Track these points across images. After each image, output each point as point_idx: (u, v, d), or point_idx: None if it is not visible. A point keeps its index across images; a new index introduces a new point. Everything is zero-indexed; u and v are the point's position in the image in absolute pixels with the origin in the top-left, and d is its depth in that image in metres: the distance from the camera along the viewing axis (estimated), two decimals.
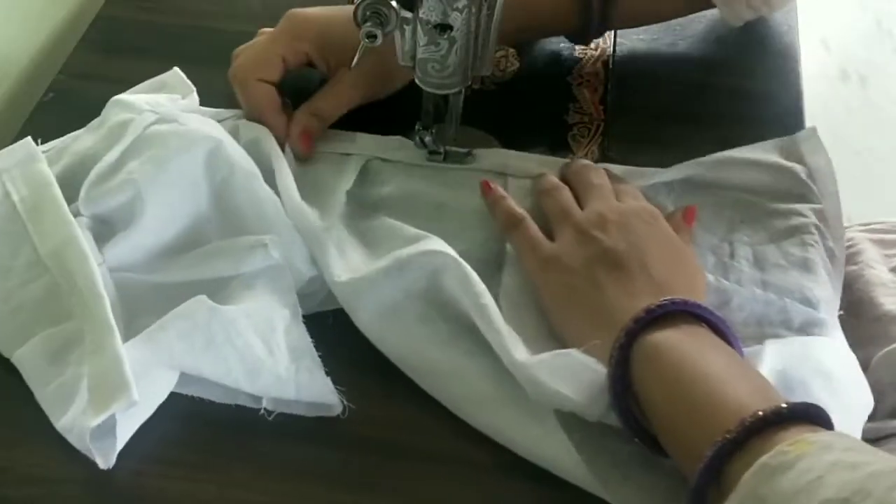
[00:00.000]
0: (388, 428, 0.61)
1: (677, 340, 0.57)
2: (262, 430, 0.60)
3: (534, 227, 0.68)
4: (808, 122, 0.80)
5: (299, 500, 0.58)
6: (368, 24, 0.64)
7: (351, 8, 0.66)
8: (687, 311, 0.58)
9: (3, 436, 0.60)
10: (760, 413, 0.50)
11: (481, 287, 0.63)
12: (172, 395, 0.61)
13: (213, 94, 0.78)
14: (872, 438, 0.70)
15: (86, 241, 0.64)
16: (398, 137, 0.75)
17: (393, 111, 0.76)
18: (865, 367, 0.78)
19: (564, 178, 0.72)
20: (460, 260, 0.64)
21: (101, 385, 0.56)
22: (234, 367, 0.60)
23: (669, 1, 0.82)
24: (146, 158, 0.67)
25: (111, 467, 0.57)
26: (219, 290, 0.64)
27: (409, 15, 0.65)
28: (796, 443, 0.48)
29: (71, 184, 0.68)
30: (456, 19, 0.64)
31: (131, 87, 0.77)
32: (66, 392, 0.59)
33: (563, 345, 0.61)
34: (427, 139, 0.73)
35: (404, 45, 0.67)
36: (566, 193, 0.70)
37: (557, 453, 0.58)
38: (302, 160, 0.73)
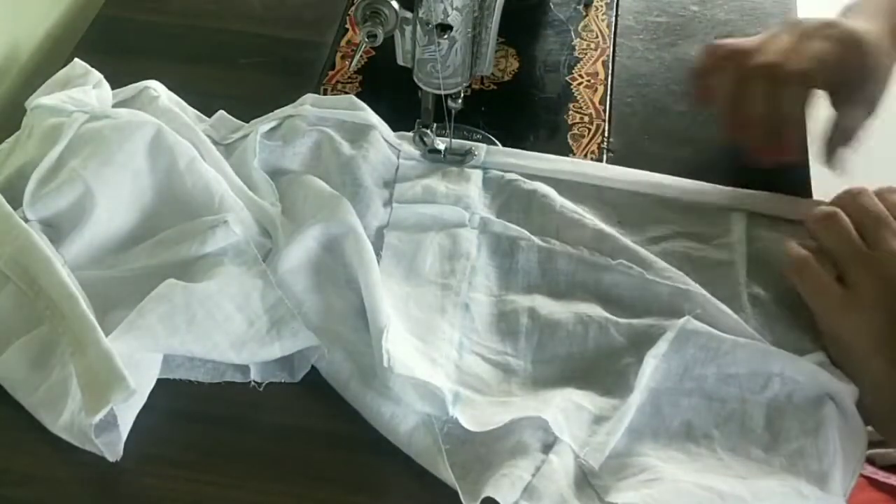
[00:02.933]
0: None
1: None
2: (262, 431, 0.60)
3: (821, 271, 0.63)
4: (808, 122, 0.80)
5: (299, 501, 0.58)
6: (368, 24, 0.64)
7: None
8: None
9: (3, 436, 0.60)
10: None
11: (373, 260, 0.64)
12: (173, 395, 0.61)
13: (214, 94, 0.78)
14: (876, 441, 0.70)
15: (43, 243, 0.64)
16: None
17: (393, 111, 0.76)
18: None
19: (839, 205, 0.67)
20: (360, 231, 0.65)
21: (94, 381, 0.56)
22: (220, 340, 0.60)
23: None
24: (88, 155, 0.67)
25: (117, 460, 0.57)
26: (185, 272, 0.64)
27: (409, 15, 0.65)
28: None
29: (13, 196, 0.67)
30: (456, 19, 0.64)
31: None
32: (57, 394, 0.59)
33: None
34: (427, 139, 0.73)
35: (404, 45, 0.67)
36: (844, 223, 0.64)
37: (410, 434, 0.59)
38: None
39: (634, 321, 0.63)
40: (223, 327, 0.61)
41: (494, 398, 0.61)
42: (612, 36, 0.86)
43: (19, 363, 0.61)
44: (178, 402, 0.61)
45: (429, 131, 0.72)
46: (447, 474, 0.57)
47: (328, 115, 0.74)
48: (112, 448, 0.57)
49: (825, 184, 0.77)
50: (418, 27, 0.65)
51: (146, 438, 0.59)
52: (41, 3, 0.89)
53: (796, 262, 0.64)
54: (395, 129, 0.75)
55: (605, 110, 0.80)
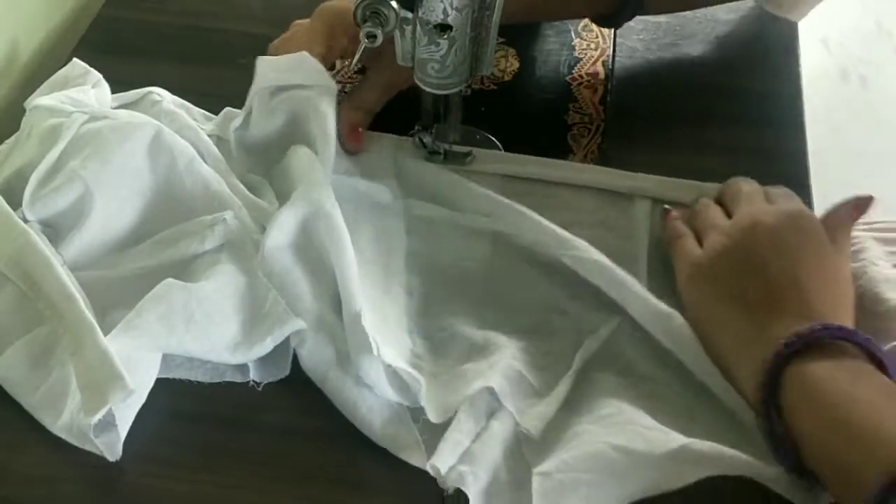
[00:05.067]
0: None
1: (831, 370, 0.55)
2: (262, 430, 0.60)
3: (691, 239, 0.65)
4: (809, 122, 0.80)
5: (300, 501, 0.58)
6: (368, 24, 0.64)
7: None
8: (842, 337, 0.56)
9: (3, 436, 0.60)
10: None
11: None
12: (173, 395, 0.61)
13: (214, 95, 0.78)
14: None
15: (42, 244, 0.64)
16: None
17: (393, 111, 0.76)
18: None
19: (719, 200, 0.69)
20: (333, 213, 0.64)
21: (93, 381, 0.56)
22: (217, 341, 0.60)
23: None
24: (88, 155, 0.67)
25: (117, 459, 0.57)
26: (183, 272, 0.64)
27: (409, 15, 0.65)
28: None
29: (12, 197, 0.67)
30: (456, 19, 0.64)
31: (131, 87, 0.76)
32: (56, 394, 0.59)
33: (711, 359, 0.61)
34: (427, 139, 0.73)
35: (404, 45, 0.67)
36: (715, 207, 0.67)
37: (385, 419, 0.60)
38: (353, 154, 0.73)
39: (573, 305, 0.66)
40: (220, 328, 0.61)
41: (448, 375, 0.61)
42: (612, 36, 0.86)
43: (19, 363, 0.61)
44: (178, 402, 0.61)
45: (429, 132, 0.72)
46: (424, 463, 0.58)
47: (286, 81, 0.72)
48: (111, 448, 0.57)
49: (825, 183, 0.77)
50: (418, 27, 0.65)
51: (146, 438, 0.59)
52: (41, 3, 0.89)
53: (675, 232, 0.67)
54: (395, 130, 0.76)
55: (605, 110, 0.80)
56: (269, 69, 0.71)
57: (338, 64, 0.83)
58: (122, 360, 0.57)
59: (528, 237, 0.68)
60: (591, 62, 0.84)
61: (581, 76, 0.83)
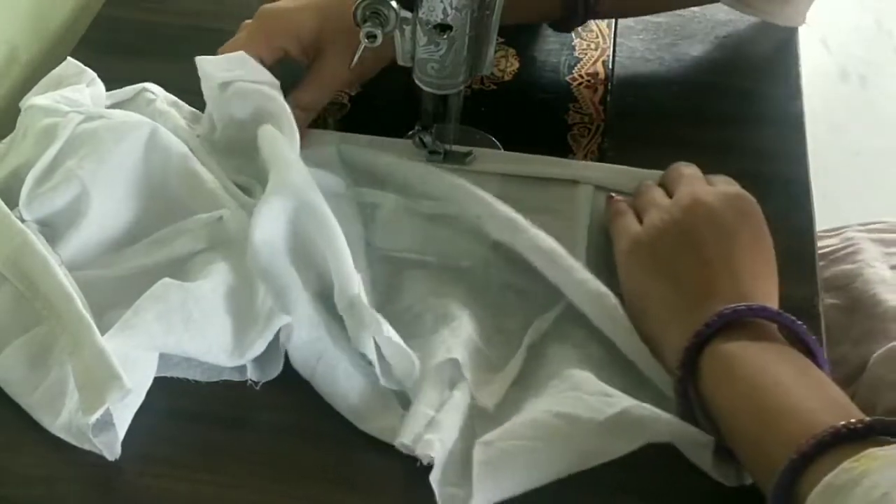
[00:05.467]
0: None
1: (748, 349, 0.56)
2: (261, 430, 0.60)
3: (630, 215, 0.66)
4: (809, 122, 0.80)
5: (299, 501, 0.58)
6: (368, 24, 0.64)
7: None
8: (766, 317, 0.57)
9: (3, 436, 0.60)
10: (832, 428, 0.49)
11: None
12: (172, 395, 0.61)
13: None
14: None
15: (40, 243, 0.63)
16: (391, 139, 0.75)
17: (393, 111, 0.76)
18: (865, 365, 0.78)
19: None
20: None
21: (91, 381, 0.56)
22: (213, 343, 0.60)
23: None
24: (84, 154, 0.67)
25: (116, 459, 0.57)
26: (180, 270, 0.64)
27: (408, 15, 0.65)
28: (861, 458, 0.47)
29: (9, 197, 0.67)
30: (456, 19, 0.64)
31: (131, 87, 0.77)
32: (55, 394, 0.59)
33: (638, 332, 0.62)
34: (427, 139, 0.73)
35: (404, 45, 0.67)
36: (657, 188, 0.68)
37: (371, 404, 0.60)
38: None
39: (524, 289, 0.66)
40: (216, 329, 0.61)
41: (421, 352, 0.61)
42: (612, 36, 0.86)
43: (17, 364, 0.61)
44: (178, 401, 0.61)
45: (429, 132, 0.72)
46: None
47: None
48: (110, 447, 0.57)
49: (826, 183, 0.77)
50: (418, 27, 0.65)
51: (145, 438, 0.59)
52: (41, 3, 0.89)
53: (615, 208, 0.67)
54: (394, 130, 0.76)
55: (605, 110, 0.80)
56: (209, 68, 0.71)
57: None
58: (120, 360, 0.57)
59: (478, 219, 0.68)
60: (591, 62, 0.84)
61: (581, 76, 0.83)
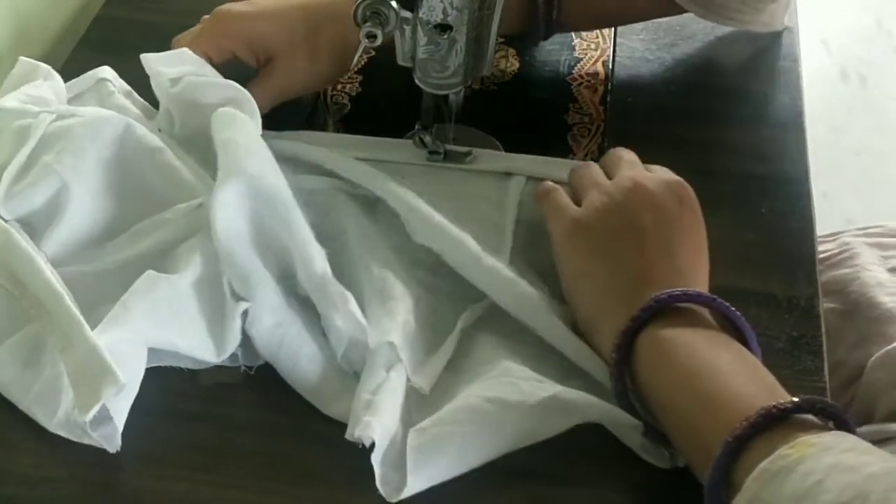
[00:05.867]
0: None
1: (686, 334, 0.56)
2: (262, 431, 0.60)
3: (564, 195, 0.66)
4: (809, 122, 0.80)
5: (299, 501, 0.58)
6: (368, 24, 0.64)
7: (276, 3, 0.68)
8: (701, 302, 0.58)
9: (3, 436, 0.60)
10: (763, 410, 0.50)
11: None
12: (172, 395, 0.61)
13: None
14: (872, 441, 0.70)
15: (24, 241, 0.63)
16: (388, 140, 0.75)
17: (393, 111, 0.76)
18: (863, 368, 0.78)
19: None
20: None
21: (84, 378, 0.56)
22: (197, 338, 0.61)
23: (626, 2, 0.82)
24: (61, 149, 0.67)
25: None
26: (163, 262, 0.64)
27: (409, 15, 0.65)
28: (797, 445, 0.48)
29: None
30: (456, 19, 0.64)
31: (131, 87, 0.76)
32: (50, 392, 0.59)
33: (574, 312, 0.62)
34: (427, 139, 0.73)
35: (404, 45, 0.67)
36: (595, 167, 0.67)
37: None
38: None
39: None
40: (198, 325, 0.61)
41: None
42: (612, 36, 0.86)
43: (11, 363, 0.61)
44: (178, 402, 0.61)
45: (429, 132, 0.72)
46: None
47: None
48: (110, 440, 0.57)
49: (826, 183, 0.77)
50: (418, 27, 0.65)
51: (146, 438, 0.59)
52: (41, 3, 0.89)
53: (544, 189, 0.66)
54: (395, 130, 0.76)
55: (605, 110, 0.80)
56: (156, 64, 0.71)
57: None
58: (112, 354, 0.56)
59: (401, 219, 0.68)
60: (591, 62, 0.84)
61: (581, 76, 0.83)
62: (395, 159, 0.73)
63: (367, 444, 0.56)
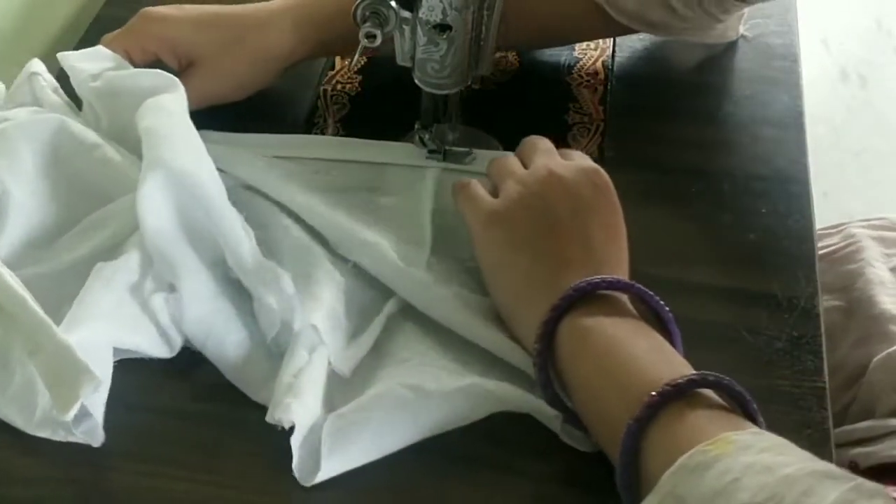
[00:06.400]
0: None
1: (604, 322, 0.57)
2: (261, 431, 0.60)
3: (479, 188, 0.66)
4: (809, 122, 0.80)
5: (297, 501, 0.58)
6: (368, 24, 0.64)
7: (203, 9, 0.70)
8: (620, 288, 0.59)
9: (3, 436, 0.60)
10: (660, 388, 0.51)
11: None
12: (171, 395, 0.61)
13: None
14: (871, 437, 0.70)
15: None
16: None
17: (393, 111, 0.76)
18: (864, 368, 0.78)
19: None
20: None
21: (60, 379, 0.56)
22: (146, 335, 0.61)
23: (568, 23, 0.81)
24: None
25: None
26: (114, 256, 0.63)
27: (408, 15, 0.65)
28: (716, 442, 0.48)
29: None
30: (456, 19, 0.64)
31: None
32: (24, 395, 0.58)
33: (496, 303, 0.63)
34: (427, 139, 0.73)
35: (404, 45, 0.67)
36: (511, 158, 0.67)
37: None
38: None
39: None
40: (147, 321, 0.61)
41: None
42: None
43: None
44: (177, 401, 0.61)
45: (429, 132, 0.72)
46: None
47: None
48: (93, 434, 0.57)
49: (825, 183, 0.77)
50: (418, 27, 0.65)
51: (145, 438, 0.59)
52: (41, 3, 0.89)
53: (460, 184, 0.66)
54: (395, 130, 0.76)
55: (604, 110, 0.80)
56: (71, 61, 0.71)
57: (337, 63, 0.83)
58: (82, 352, 0.56)
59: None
60: (591, 62, 0.84)
61: (581, 76, 0.83)
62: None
63: (287, 426, 0.56)
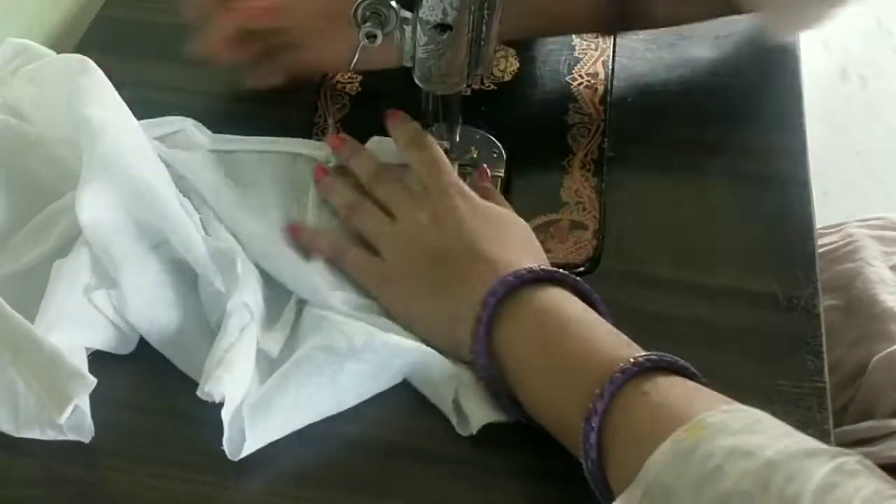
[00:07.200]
0: (386, 429, 0.61)
1: (535, 310, 0.58)
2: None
3: (359, 254, 0.67)
4: (809, 122, 0.80)
5: (298, 502, 0.58)
6: (368, 24, 0.64)
7: None
8: (534, 278, 0.59)
9: (3, 436, 0.60)
10: (621, 364, 0.53)
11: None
12: (171, 396, 0.61)
13: (214, 95, 0.78)
14: (871, 437, 0.70)
15: None
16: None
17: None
18: (863, 367, 0.78)
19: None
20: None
21: (51, 383, 0.56)
22: (104, 332, 0.61)
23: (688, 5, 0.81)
24: None
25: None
26: (67, 252, 0.63)
27: (409, 15, 0.65)
28: (692, 428, 0.49)
29: None
30: (456, 19, 0.64)
31: (132, 87, 0.76)
32: (6, 399, 0.57)
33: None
34: None
35: (404, 45, 0.67)
36: (370, 208, 0.68)
37: None
38: None
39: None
40: (100, 319, 0.61)
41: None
42: (612, 36, 0.86)
43: None
44: (176, 402, 0.61)
45: (429, 132, 0.72)
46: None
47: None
48: (81, 429, 0.57)
49: (826, 183, 0.77)
50: (418, 27, 0.65)
51: (145, 439, 0.59)
52: (41, 3, 0.89)
53: (339, 250, 0.67)
54: None
55: (605, 110, 0.80)
56: None
57: None
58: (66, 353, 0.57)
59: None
60: (591, 62, 0.84)
61: (581, 76, 0.83)
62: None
63: (218, 399, 0.56)
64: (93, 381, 0.56)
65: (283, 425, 0.58)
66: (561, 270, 0.61)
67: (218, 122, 0.75)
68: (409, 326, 0.63)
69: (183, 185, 0.68)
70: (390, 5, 0.64)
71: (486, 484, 0.59)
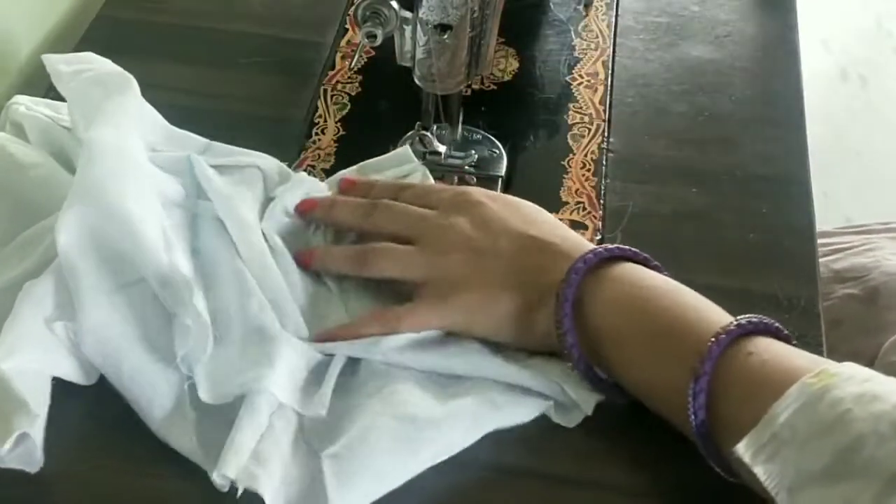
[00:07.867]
0: None
1: (634, 281, 0.58)
2: None
3: (393, 245, 0.63)
4: (809, 122, 0.80)
5: None
6: (368, 24, 0.64)
7: None
8: (614, 255, 0.60)
9: None
10: (722, 329, 0.53)
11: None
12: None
13: (214, 95, 0.78)
14: None
15: None
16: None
17: (393, 111, 0.76)
18: (876, 354, 0.78)
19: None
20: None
21: None
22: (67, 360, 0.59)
23: None
24: None
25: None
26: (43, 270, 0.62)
27: (409, 15, 0.65)
28: (819, 374, 0.49)
29: None
30: (456, 19, 0.64)
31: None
32: None
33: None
34: (427, 139, 0.73)
35: (404, 45, 0.67)
36: (394, 204, 0.65)
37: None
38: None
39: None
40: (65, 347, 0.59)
41: (227, 354, 0.60)
42: (612, 36, 0.86)
43: None
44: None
45: (428, 133, 0.72)
46: (197, 455, 0.57)
47: None
48: (29, 459, 0.55)
49: (826, 183, 0.77)
50: (418, 27, 0.65)
51: (143, 439, 0.59)
52: (41, 3, 0.89)
53: (357, 257, 0.64)
54: (395, 130, 0.75)
55: (605, 110, 0.80)
56: (57, 63, 0.69)
57: (337, 63, 0.83)
58: (19, 379, 0.55)
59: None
60: (591, 62, 0.84)
61: (581, 76, 0.83)
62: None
63: (248, 489, 0.54)
64: (37, 414, 0.54)
65: (367, 496, 0.55)
66: (631, 248, 0.60)
67: (218, 122, 0.75)
68: (466, 320, 0.61)
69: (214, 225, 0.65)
70: (390, 5, 0.64)
71: (487, 483, 0.59)
